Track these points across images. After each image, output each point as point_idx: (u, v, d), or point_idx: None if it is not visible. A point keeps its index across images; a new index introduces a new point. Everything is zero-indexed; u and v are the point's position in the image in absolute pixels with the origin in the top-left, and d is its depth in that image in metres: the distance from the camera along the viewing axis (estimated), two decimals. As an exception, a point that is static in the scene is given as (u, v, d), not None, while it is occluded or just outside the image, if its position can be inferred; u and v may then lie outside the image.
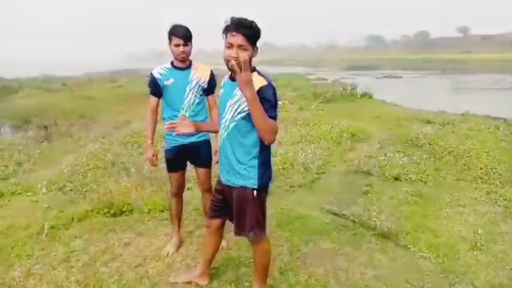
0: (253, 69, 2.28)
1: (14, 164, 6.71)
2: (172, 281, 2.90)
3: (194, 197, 4.40)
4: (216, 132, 2.54)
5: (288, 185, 5.17)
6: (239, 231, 2.51)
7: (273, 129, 2.13)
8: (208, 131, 3.03)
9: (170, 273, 2.98)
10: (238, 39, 2.17)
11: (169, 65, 3.11)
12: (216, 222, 2.66)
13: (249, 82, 2.03)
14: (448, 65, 46.74)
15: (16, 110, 12.88)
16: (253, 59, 2.26)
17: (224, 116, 2.37)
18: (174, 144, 3.17)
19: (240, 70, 2.03)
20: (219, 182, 2.56)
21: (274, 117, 2.15)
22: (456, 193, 4.93)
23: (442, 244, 3.67)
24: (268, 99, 2.16)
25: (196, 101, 3.12)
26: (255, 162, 2.34)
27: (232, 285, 2.84)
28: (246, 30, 2.17)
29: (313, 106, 12.04)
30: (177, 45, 2.96)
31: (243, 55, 2.16)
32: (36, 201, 4.76)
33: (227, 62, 2.19)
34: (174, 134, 2.60)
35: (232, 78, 2.34)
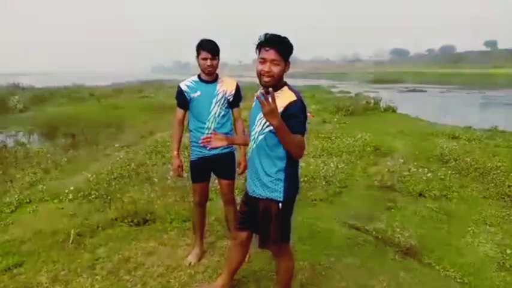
0: (284, 84, 2.33)
1: (42, 172, 6.90)
2: None
3: (216, 208, 4.44)
4: (247, 145, 2.58)
5: (310, 199, 5.15)
6: (263, 244, 2.51)
7: (299, 146, 2.16)
8: (240, 145, 3.07)
9: (192, 284, 3.01)
10: (271, 54, 2.22)
11: (196, 78, 3.18)
12: (242, 234, 2.67)
13: (273, 112, 2.04)
14: (474, 79, 45.79)
15: (45, 119, 13.30)
16: (284, 74, 2.30)
17: (254, 129, 2.41)
18: (199, 156, 3.22)
19: (267, 101, 2.03)
20: (246, 194, 2.58)
21: (302, 133, 2.18)
22: (483, 211, 4.82)
23: (468, 263, 3.59)
24: (296, 115, 2.19)
25: (222, 114, 3.17)
26: (282, 175, 2.35)
27: (253, 297, 2.84)
28: (278, 46, 2.23)
29: (335, 119, 12.00)
30: (205, 59, 3.03)
31: (276, 70, 2.23)
32: (62, 208, 4.88)
33: (259, 76, 2.25)
34: (208, 148, 2.71)
35: (264, 93, 2.37)
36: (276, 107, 2.05)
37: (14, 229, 4.26)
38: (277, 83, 2.29)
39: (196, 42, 3.09)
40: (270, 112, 2.03)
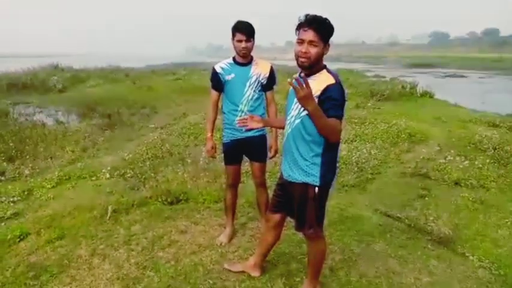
0: (324, 67, 2.30)
1: (80, 150, 7.16)
2: (226, 267, 3.00)
3: (247, 190, 4.49)
4: (283, 128, 2.57)
5: (341, 185, 5.11)
6: (299, 227, 2.54)
7: (334, 131, 2.13)
8: (275, 127, 3.08)
9: (223, 262, 3.08)
10: (309, 34, 2.18)
11: (231, 60, 3.18)
12: (276, 217, 2.69)
13: (307, 98, 2.01)
14: (519, 64, 43.52)
15: (83, 99, 13.69)
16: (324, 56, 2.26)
17: (290, 113, 2.40)
18: (232, 138, 3.26)
19: (301, 87, 1.99)
20: (281, 177, 2.59)
21: (338, 117, 2.14)
22: (522, 202, 4.64)
23: (504, 255, 3.49)
24: (334, 97, 2.15)
25: (255, 97, 3.17)
26: (318, 160, 2.34)
27: (283, 279, 2.88)
28: (317, 26, 2.18)
29: (369, 104, 11.75)
30: (240, 41, 3.02)
31: (313, 51, 2.19)
32: (99, 186, 5.07)
33: (297, 57, 2.23)
34: (244, 129, 2.72)
35: (298, 78, 2.34)
36: (310, 92, 2.01)
37: (55, 204, 4.48)
38: (315, 65, 2.26)
39: (231, 24, 3.09)
40: (304, 97, 2.00)
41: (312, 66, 2.22)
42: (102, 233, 3.62)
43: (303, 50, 2.20)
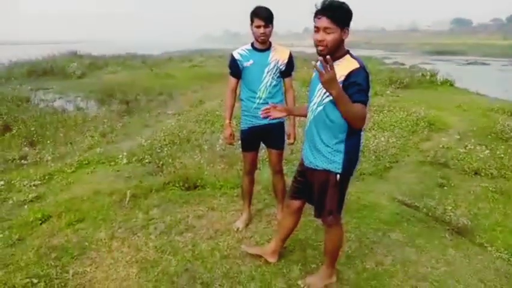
0: (346, 52, 2.26)
1: (99, 135, 7.27)
2: (243, 249, 3.04)
3: (264, 177, 4.50)
4: (305, 116, 2.55)
5: (358, 172, 5.07)
6: (318, 214, 2.54)
7: (359, 117, 2.10)
8: (298, 116, 3.05)
9: (239, 248, 3.11)
10: (323, 22, 2.16)
11: (249, 47, 3.17)
12: (296, 203, 2.70)
13: (332, 80, 1.99)
14: (544, 52, 42.13)
15: (101, 85, 13.86)
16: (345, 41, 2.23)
17: (313, 100, 2.38)
18: (250, 125, 3.26)
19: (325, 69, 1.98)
20: (302, 164, 2.59)
21: (363, 102, 2.10)
22: (544, 193, 4.54)
23: (524, 246, 3.43)
24: (358, 82, 2.12)
25: (273, 83, 3.15)
26: (341, 147, 2.32)
27: (299, 265, 2.90)
28: (329, 12, 2.14)
29: (388, 91, 11.59)
30: (258, 27, 2.99)
31: (329, 38, 2.16)
32: (118, 171, 5.14)
33: (315, 46, 2.21)
34: (269, 119, 2.69)
35: (323, 60, 2.32)
36: (334, 75, 1.99)
37: (75, 188, 4.57)
38: (337, 52, 2.22)
39: (249, 10, 3.07)
40: (329, 81, 1.98)
41: (332, 53, 2.16)
42: (121, 217, 3.69)
43: (319, 38, 2.18)
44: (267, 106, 2.66)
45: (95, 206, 3.93)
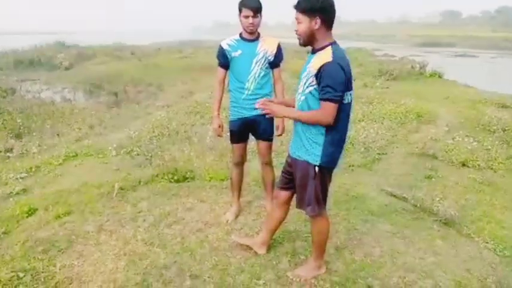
0: (330, 44, 2.27)
1: (87, 127, 7.21)
2: (233, 239, 3.04)
3: (253, 168, 4.49)
4: None
5: (347, 164, 5.09)
6: (299, 204, 2.56)
7: (321, 120, 2.24)
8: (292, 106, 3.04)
9: (229, 240, 3.10)
10: (295, 13, 2.29)
11: (238, 37, 3.13)
12: (284, 193, 2.70)
13: (281, 111, 2.40)
14: (532, 44, 42.54)
15: (89, 76, 13.70)
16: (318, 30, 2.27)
17: (298, 89, 2.40)
18: (239, 117, 3.23)
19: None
20: (289, 154, 2.60)
21: (331, 99, 2.17)
22: (530, 184, 4.60)
23: (510, 236, 3.47)
24: (327, 77, 2.16)
25: (262, 74, 3.12)
26: (321, 139, 2.32)
27: (288, 257, 2.90)
28: (297, 3, 2.27)
29: (378, 83, 11.63)
30: (247, 17, 2.96)
31: (300, 28, 2.29)
32: (106, 163, 5.10)
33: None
34: (266, 116, 2.61)
35: (312, 51, 2.36)
36: (277, 108, 2.34)
37: (63, 180, 4.52)
38: (315, 43, 2.30)
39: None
40: (278, 114, 2.35)
41: (308, 43, 2.31)
42: (109, 209, 3.65)
43: (295, 29, 2.31)
44: (263, 100, 2.59)
45: (83, 199, 3.89)
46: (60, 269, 2.77)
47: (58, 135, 6.67)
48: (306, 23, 2.24)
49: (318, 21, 2.22)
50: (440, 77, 13.81)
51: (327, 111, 2.18)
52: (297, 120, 2.32)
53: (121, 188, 4.04)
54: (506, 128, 6.54)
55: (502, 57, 29.33)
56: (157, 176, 4.41)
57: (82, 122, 7.51)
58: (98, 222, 3.42)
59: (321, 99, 2.19)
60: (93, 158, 5.36)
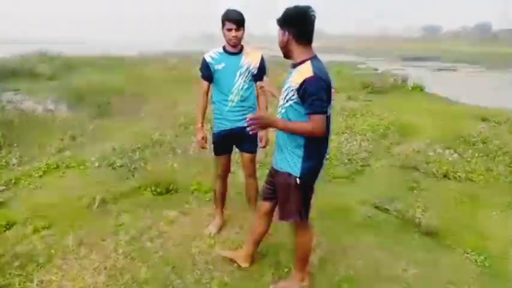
0: (310, 58, 2.30)
1: (69, 139, 7.07)
2: (217, 252, 3.02)
3: (237, 180, 4.47)
4: None
5: (330, 176, 5.12)
6: (281, 216, 2.56)
7: (312, 131, 2.23)
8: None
9: (212, 253, 3.07)
10: None
11: (221, 50, 3.14)
12: (266, 205, 2.70)
13: (267, 122, 2.32)
14: (510, 59, 43.80)
15: (72, 87, 13.47)
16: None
17: (280, 101, 2.43)
18: (222, 129, 3.23)
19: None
20: (272, 166, 2.61)
21: (317, 112, 2.19)
22: (508, 195, 4.69)
23: (490, 247, 3.53)
24: (310, 92, 2.18)
25: (245, 87, 3.14)
26: (300, 152, 2.35)
27: (272, 269, 2.89)
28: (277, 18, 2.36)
29: (361, 96, 11.77)
30: (230, 30, 2.98)
31: (278, 41, 2.37)
32: (88, 175, 5.02)
33: None
34: (250, 133, 2.37)
35: (292, 65, 2.39)
36: (263, 119, 2.29)
37: (43, 193, 4.43)
38: (293, 56, 2.35)
39: (222, 12, 3.05)
40: (265, 125, 2.32)
41: (286, 56, 2.40)
42: (89, 222, 3.59)
43: None
44: (251, 116, 2.55)
45: (63, 212, 3.82)
46: (37, 285, 2.71)
47: (39, 146, 6.55)
48: (280, 36, 2.34)
49: (287, 34, 2.30)
50: (421, 90, 14.05)
51: (318, 123, 2.21)
52: (289, 132, 2.32)
53: (102, 201, 3.98)
54: (486, 140, 6.67)
55: (482, 71, 30.08)
56: (139, 188, 4.36)
57: (64, 133, 7.37)
58: (78, 235, 3.35)
59: (310, 113, 2.20)
60: (74, 169, 5.26)
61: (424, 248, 3.39)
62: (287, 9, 2.31)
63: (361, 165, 5.58)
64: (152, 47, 52.32)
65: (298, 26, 2.29)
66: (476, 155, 6.03)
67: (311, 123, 2.22)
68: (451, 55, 49.29)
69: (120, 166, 5.25)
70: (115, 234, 3.38)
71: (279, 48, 2.39)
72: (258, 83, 2.96)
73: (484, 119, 8.76)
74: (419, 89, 14.02)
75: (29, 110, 9.53)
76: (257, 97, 3.27)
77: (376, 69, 24.13)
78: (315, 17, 2.29)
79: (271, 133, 2.94)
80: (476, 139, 6.78)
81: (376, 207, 4.19)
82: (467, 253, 3.39)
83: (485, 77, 25.01)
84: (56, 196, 4.23)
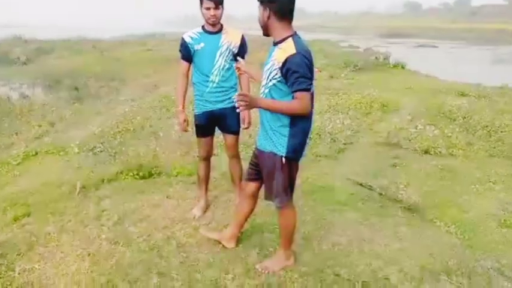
0: (291, 35, 2.28)
1: (47, 124, 6.91)
2: (201, 233, 3.01)
3: (221, 162, 4.45)
4: None
5: (314, 155, 5.13)
6: (267, 195, 2.56)
7: (299, 109, 2.21)
8: None
9: (197, 235, 3.06)
10: None
11: (200, 29, 3.07)
12: (251, 185, 2.70)
13: (252, 102, 2.20)
14: (490, 35, 44.22)
15: (49, 71, 13.17)
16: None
17: (262, 81, 2.40)
18: (204, 110, 3.18)
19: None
20: (256, 147, 2.59)
21: (302, 90, 2.17)
22: (488, 169, 4.79)
23: (470, 220, 3.61)
24: (294, 70, 2.16)
25: (226, 66, 3.09)
26: (286, 130, 2.34)
27: (257, 249, 2.89)
28: None
29: (343, 75, 11.76)
30: (208, 9, 2.91)
31: (259, 17, 2.33)
32: (68, 161, 4.92)
33: None
34: (237, 110, 2.28)
35: (273, 43, 2.36)
36: (249, 98, 2.18)
37: (22, 181, 4.33)
38: (274, 33, 2.32)
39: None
40: (249, 105, 2.19)
41: (266, 33, 2.36)
42: (71, 209, 3.52)
43: None
44: (240, 92, 2.56)
45: (43, 199, 3.74)
46: (19, 273, 2.65)
47: (16, 133, 6.38)
48: (260, 13, 2.30)
49: (267, 11, 2.27)
50: (403, 67, 14.13)
51: (304, 101, 2.19)
52: (274, 111, 2.27)
53: (83, 187, 3.91)
54: (466, 116, 6.77)
55: (461, 47, 30.37)
56: (121, 173, 4.29)
57: (42, 118, 7.19)
58: (59, 222, 3.29)
59: (295, 91, 2.18)
60: (54, 156, 5.15)
61: (406, 223, 3.45)
62: None
63: (344, 144, 5.60)
64: (129, 30, 51.21)
65: (278, 1, 2.25)
66: (457, 130, 6.13)
67: (297, 101, 2.20)
68: (431, 32, 49.57)
69: (101, 151, 5.15)
70: (97, 219, 3.33)
71: (259, 26, 2.35)
72: (234, 64, 2.87)
73: (463, 95, 8.88)
74: (400, 66, 14.11)
75: (5, 96, 9.27)
76: (239, 77, 3.22)
77: (357, 47, 24.11)
78: None
79: (254, 113, 2.90)
80: (457, 114, 6.88)
81: (360, 184, 4.23)
82: (448, 226, 3.46)
83: (465, 53, 25.28)
84: (35, 183, 4.15)
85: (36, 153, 5.18)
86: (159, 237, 3.06)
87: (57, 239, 3.05)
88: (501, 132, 6.01)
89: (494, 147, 5.55)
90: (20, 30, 27.07)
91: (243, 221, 2.87)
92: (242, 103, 2.18)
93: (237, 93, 2.26)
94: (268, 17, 2.27)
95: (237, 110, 2.24)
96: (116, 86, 11.20)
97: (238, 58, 2.93)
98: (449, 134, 5.89)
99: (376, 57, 14.85)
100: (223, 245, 2.90)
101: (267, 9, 2.26)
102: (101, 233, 3.12)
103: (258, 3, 2.31)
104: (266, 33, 2.36)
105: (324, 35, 41.34)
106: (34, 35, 24.91)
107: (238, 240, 2.95)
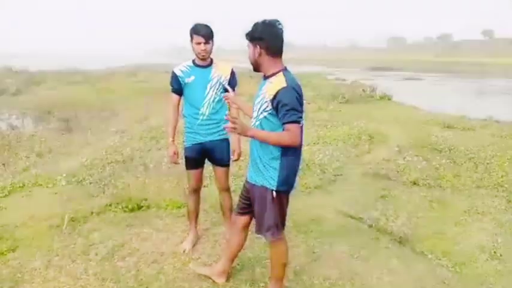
0: (281, 69, 2.35)
1: (35, 156, 6.84)
2: (191, 268, 2.97)
3: (211, 194, 4.43)
4: None
5: (304, 186, 5.14)
6: (258, 229, 2.55)
7: (288, 141, 2.25)
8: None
9: (186, 270, 3.01)
10: None
11: (190, 63, 3.14)
12: (242, 218, 2.69)
13: (243, 129, 2.21)
14: (471, 68, 45.66)
15: (39, 102, 13.13)
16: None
17: (253, 113, 2.44)
18: (194, 142, 3.20)
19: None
20: (246, 179, 2.60)
21: (293, 122, 2.21)
22: (475, 200, 4.84)
23: (460, 252, 3.62)
24: (284, 102, 2.21)
25: (217, 99, 3.14)
26: (276, 163, 2.36)
27: (248, 284, 2.86)
28: (246, 32, 2.40)
29: (331, 107, 11.96)
30: (199, 43, 2.99)
31: (248, 54, 2.40)
32: (56, 193, 4.84)
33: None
34: (228, 134, 2.48)
35: (264, 77, 2.42)
36: (241, 124, 2.18)
37: (8, 214, 4.24)
38: (264, 69, 2.37)
39: (191, 25, 3.05)
40: (241, 131, 2.20)
41: (257, 69, 2.42)
42: (58, 243, 3.46)
43: None
44: (234, 115, 2.62)
45: (30, 233, 3.67)
46: (2, 312, 2.57)
47: (4, 165, 6.30)
48: (250, 50, 2.37)
49: (258, 49, 2.33)
50: (389, 99, 14.43)
51: (294, 133, 2.23)
52: (264, 141, 2.30)
53: (72, 220, 3.85)
54: (452, 147, 6.88)
55: (445, 80, 31.15)
56: (110, 205, 4.24)
57: (30, 150, 7.12)
58: (46, 257, 3.22)
59: (286, 123, 2.22)
60: (41, 188, 5.08)
61: (397, 255, 3.44)
62: (256, 23, 2.34)
63: (334, 175, 5.64)
64: (120, 60, 51.64)
65: (269, 41, 2.32)
66: (444, 161, 6.21)
67: (287, 133, 2.23)
68: (416, 65, 50.94)
69: (90, 183, 5.10)
70: (85, 254, 3.27)
71: (249, 62, 2.42)
72: (223, 94, 2.92)
73: (449, 126, 9.05)
74: (387, 98, 14.40)
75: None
76: (229, 109, 3.27)
77: (344, 80, 24.58)
78: (282, 30, 2.34)
79: (244, 145, 2.93)
80: (443, 146, 6.98)
81: (350, 216, 4.24)
82: (439, 259, 3.46)
83: (449, 86, 25.92)
84: (22, 217, 4.06)
85: (24, 185, 5.10)
86: (148, 273, 3.00)
87: (43, 275, 2.97)
88: (487, 164, 6.11)
89: (481, 179, 5.62)
90: (11, 60, 27.12)
91: (233, 255, 2.84)
92: (231, 125, 2.19)
93: (227, 112, 2.30)
94: (260, 54, 2.34)
95: (224, 130, 2.33)
96: (106, 117, 11.19)
97: (227, 87, 3.00)
98: (437, 166, 5.96)
99: (363, 90, 15.15)
100: (213, 281, 2.86)
101: (257, 46, 2.33)
102: (89, 269, 3.05)
103: (247, 42, 2.38)
104: (256, 69, 2.42)
105: (312, 68, 42.19)
106: (25, 65, 24.99)
107: (229, 275, 2.91)
